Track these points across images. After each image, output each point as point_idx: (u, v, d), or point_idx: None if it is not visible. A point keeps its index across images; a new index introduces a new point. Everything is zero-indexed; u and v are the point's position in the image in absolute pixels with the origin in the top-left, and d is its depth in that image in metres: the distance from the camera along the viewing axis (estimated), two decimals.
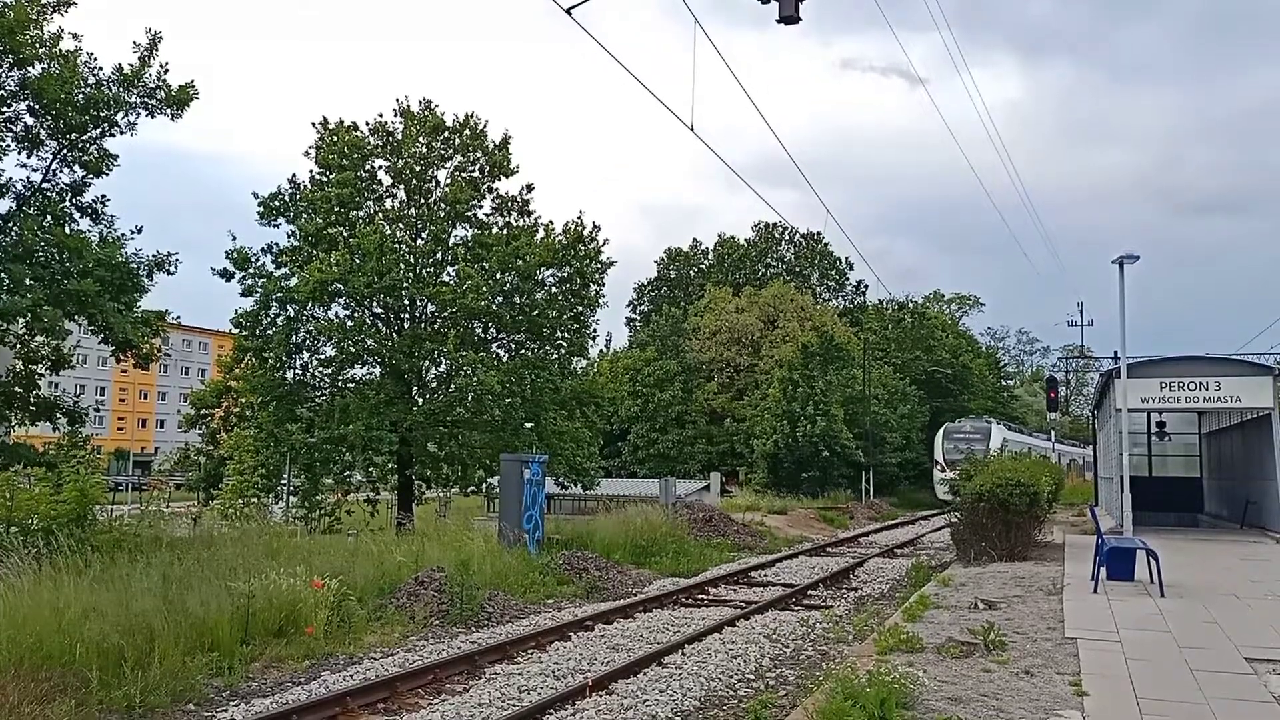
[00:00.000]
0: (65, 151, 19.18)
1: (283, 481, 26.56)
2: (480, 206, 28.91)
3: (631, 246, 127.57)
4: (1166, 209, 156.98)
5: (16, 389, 19.55)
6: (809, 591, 16.64)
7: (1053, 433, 64.21)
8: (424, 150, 28.32)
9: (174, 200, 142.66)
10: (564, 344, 29.76)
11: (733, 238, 74.33)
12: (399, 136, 28.32)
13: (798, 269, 73.09)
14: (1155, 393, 21.84)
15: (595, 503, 32.78)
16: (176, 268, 20.16)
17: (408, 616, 12.44)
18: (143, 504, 15.84)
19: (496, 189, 29.28)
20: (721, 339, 58.90)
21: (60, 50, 18.48)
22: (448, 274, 27.99)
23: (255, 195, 27.35)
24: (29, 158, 18.97)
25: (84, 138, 19.06)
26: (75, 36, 18.70)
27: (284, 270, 26.75)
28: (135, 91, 19.29)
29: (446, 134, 28.59)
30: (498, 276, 27.45)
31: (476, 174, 28.89)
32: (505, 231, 28.66)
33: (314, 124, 28.23)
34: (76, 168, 19.40)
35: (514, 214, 29.51)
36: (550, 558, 17.02)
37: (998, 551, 16.83)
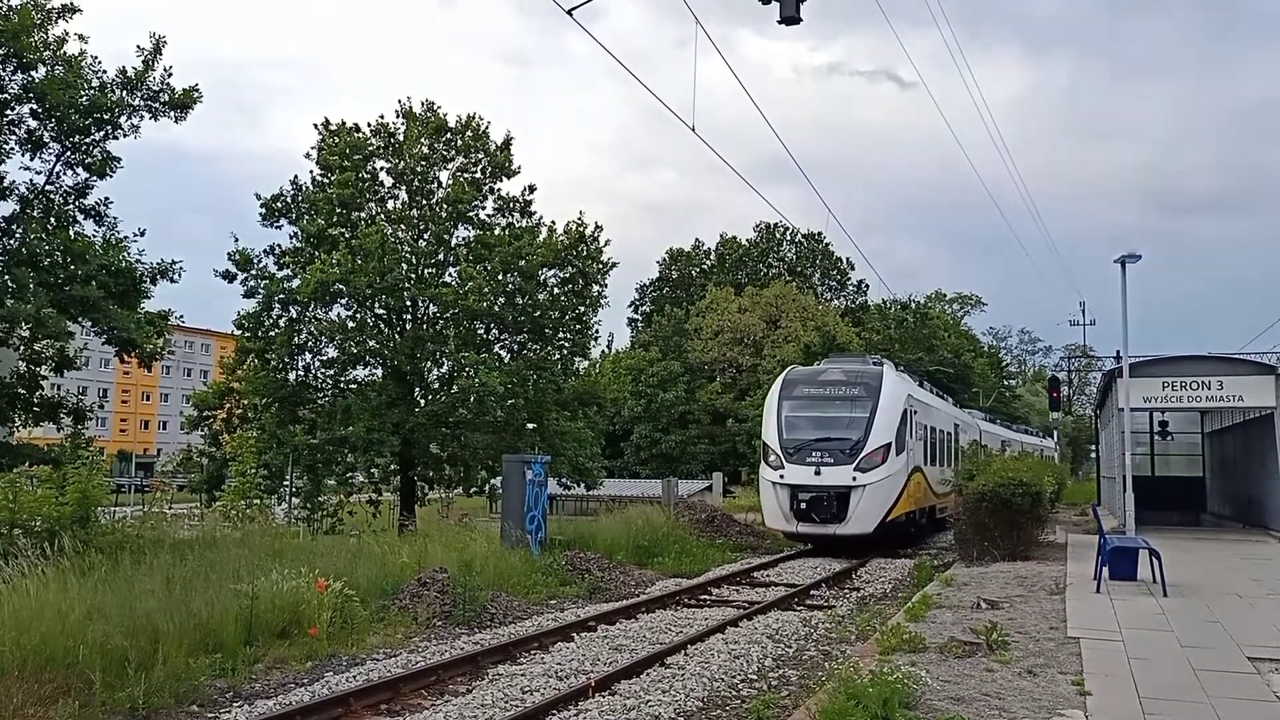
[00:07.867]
0: (68, 154, 19.21)
1: (285, 483, 26.58)
2: (482, 207, 28.94)
3: (633, 247, 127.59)
4: (1169, 207, 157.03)
5: (20, 390, 19.60)
6: (811, 591, 16.61)
7: (1055, 432, 63.97)
8: (426, 151, 28.34)
9: (175, 200, 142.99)
10: (566, 344, 29.75)
11: (734, 238, 74.37)
12: (401, 137, 28.35)
13: (799, 269, 73.10)
14: (1158, 392, 21.84)
15: (598, 503, 32.75)
16: (180, 275, 20.21)
17: (410, 617, 12.43)
18: (145, 505, 15.90)
19: (498, 190, 29.34)
20: (724, 339, 58.92)
21: (64, 54, 18.52)
22: (449, 275, 28.01)
23: (258, 196, 27.44)
24: (32, 160, 19.01)
25: (87, 140, 19.09)
26: (81, 38, 18.75)
27: (286, 271, 26.78)
28: (139, 94, 19.32)
29: (448, 135, 28.63)
30: (500, 277, 27.45)
31: (478, 175, 28.91)
32: (507, 232, 28.67)
33: (316, 125, 28.29)
34: (79, 170, 19.44)
35: (516, 215, 29.54)
36: (553, 558, 16.99)
37: (1000, 551, 16.83)
